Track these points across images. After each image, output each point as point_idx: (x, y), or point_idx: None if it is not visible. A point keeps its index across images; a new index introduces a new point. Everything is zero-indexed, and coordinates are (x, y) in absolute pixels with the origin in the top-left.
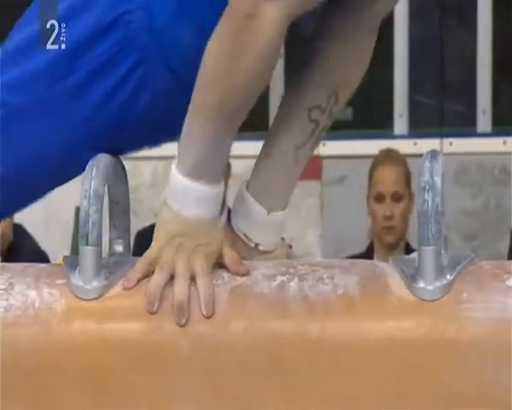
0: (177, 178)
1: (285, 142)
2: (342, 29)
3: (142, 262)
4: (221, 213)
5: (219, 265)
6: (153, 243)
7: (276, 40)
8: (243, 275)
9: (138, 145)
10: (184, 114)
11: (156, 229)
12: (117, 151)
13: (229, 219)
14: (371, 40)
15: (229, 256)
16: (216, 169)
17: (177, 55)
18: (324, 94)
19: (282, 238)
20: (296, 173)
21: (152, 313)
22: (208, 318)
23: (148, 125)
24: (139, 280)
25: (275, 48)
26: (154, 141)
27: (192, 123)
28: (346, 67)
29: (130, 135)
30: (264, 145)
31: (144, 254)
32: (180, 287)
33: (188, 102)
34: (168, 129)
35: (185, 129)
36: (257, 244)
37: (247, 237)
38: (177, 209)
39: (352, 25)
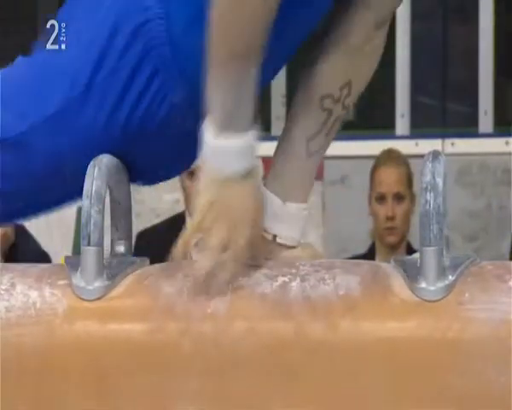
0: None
1: (296, 131)
2: (351, 23)
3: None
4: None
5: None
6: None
7: None
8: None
9: (154, 172)
10: (196, 137)
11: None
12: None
13: None
14: (382, 33)
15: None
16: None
17: (192, 65)
18: (336, 84)
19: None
20: (310, 166)
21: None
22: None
23: (165, 146)
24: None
25: None
26: (170, 169)
27: (213, 72)
28: (359, 58)
29: (148, 158)
30: (279, 137)
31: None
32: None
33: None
34: (183, 155)
35: (208, 82)
36: (275, 236)
37: (264, 229)
38: (217, 168)
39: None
